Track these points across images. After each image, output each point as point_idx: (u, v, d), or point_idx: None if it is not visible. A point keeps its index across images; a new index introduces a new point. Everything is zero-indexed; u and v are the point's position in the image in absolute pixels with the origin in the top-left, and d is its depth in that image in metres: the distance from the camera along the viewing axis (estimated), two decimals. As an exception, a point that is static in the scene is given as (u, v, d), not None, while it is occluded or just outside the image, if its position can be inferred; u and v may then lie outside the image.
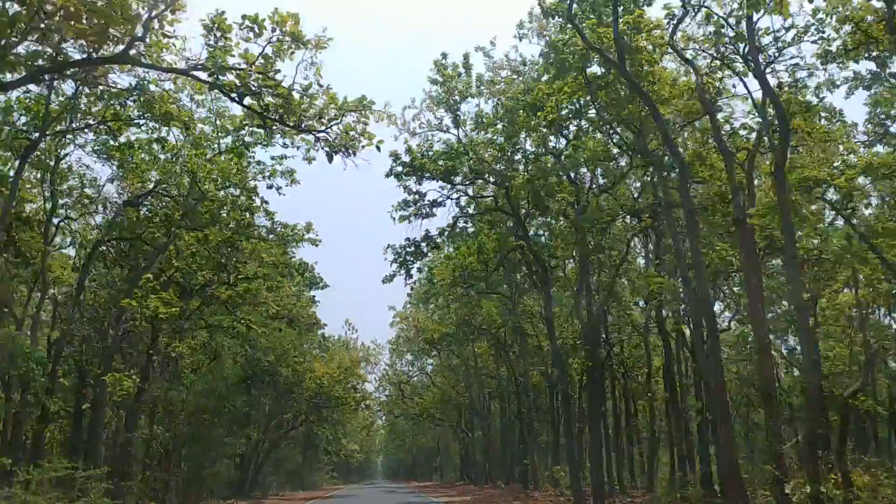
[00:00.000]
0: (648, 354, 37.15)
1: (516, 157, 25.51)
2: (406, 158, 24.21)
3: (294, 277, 43.95)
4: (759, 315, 14.11)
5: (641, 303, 38.97)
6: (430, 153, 24.21)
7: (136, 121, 22.17)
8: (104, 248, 27.13)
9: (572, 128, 24.20)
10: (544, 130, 21.37)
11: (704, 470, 21.80)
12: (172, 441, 23.76)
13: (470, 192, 26.80)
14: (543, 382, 38.49)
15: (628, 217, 27.85)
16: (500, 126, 24.93)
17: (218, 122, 27.79)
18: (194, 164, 22.40)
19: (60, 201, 28.58)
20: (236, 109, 28.50)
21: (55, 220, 28.41)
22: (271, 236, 26.59)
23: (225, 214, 22.08)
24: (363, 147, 14.39)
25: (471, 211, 26.72)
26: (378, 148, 14.28)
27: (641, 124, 18.81)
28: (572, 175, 25.22)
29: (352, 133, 14.26)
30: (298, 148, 28.70)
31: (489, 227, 30.00)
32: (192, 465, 25.73)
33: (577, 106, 20.68)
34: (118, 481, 22.90)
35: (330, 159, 14.38)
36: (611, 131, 21.88)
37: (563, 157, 23.00)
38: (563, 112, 20.45)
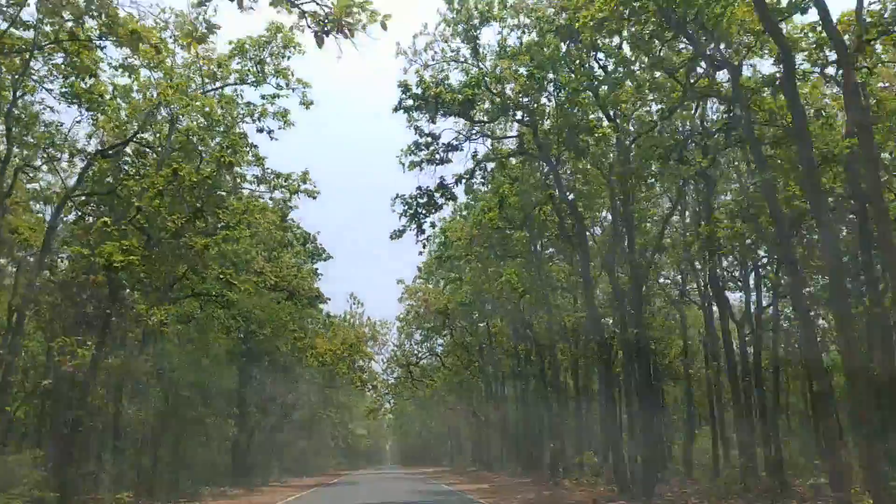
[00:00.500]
0: (684, 327, 33.52)
1: (545, 93, 21.88)
2: (418, 91, 20.61)
3: (294, 247, 40.62)
4: None
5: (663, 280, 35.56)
6: (447, 84, 20.59)
7: (96, 42, 18.71)
8: (72, 203, 23.85)
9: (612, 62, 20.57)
10: (586, 41, 17.63)
11: (778, 458, 18.32)
12: (144, 422, 20.46)
13: (491, 133, 23.17)
14: (567, 360, 35.03)
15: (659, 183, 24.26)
16: (527, 57, 21.30)
17: (204, 66, 24.40)
18: (166, 94, 18.91)
19: (25, 152, 25.33)
20: (223, 47, 25.25)
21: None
22: (262, 188, 23.13)
23: (204, 154, 18.61)
24: (363, 27, 10.77)
25: (493, 156, 23.04)
26: (384, 26, 10.63)
27: (711, 32, 15.13)
28: (611, 113, 21.57)
29: (349, 8, 10.65)
30: (294, 90, 25.50)
31: (511, 182, 26.49)
32: (173, 449, 22.42)
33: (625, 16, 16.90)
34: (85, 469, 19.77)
35: (320, 43, 10.75)
36: (661, 50, 18.15)
37: (610, 79, 19.28)
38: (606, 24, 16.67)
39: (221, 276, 18.80)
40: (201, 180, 16.92)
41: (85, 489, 18.89)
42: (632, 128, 22.51)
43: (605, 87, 20.83)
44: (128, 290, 23.57)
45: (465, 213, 33.48)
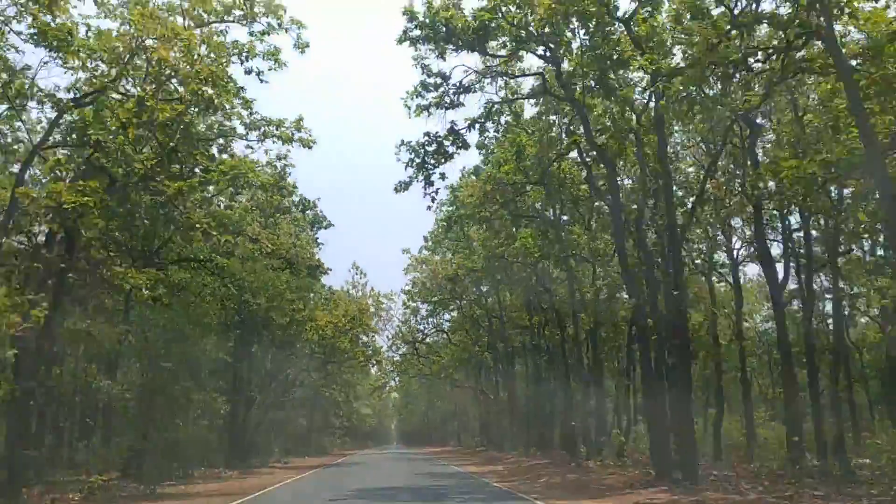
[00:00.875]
0: (713, 298, 31.02)
1: (570, 27, 19.23)
2: (425, 20, 18.01)
3: (292, 213, 38.21)
4: None
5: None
6: (459, 8, 17.95)
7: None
8: (42, 157, 21.42)
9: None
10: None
11: (839, 437, 15.98)
12: (123, 397, 18.17)
13: (508, 73, 20.53)
14: (583, 333, 32.66)
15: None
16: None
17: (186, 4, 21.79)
18: (139, 23, 16.36)
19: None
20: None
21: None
22: (252, 136, 20.61)
23: (176, 83, 16.07)
24: None
25: (510, 98, 20.48)
26: None
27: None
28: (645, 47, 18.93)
29: None
30: (287, 30, 22.88)
31: (527, 134, 24.01)
32: (161, 427, 20.11)
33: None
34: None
35: None
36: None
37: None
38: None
39: (198, 226, 16.22)
40: (176, 116, 14.45)
41: (46, 471, 16.69)
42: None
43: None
44: (103, 252, 21.29)
45: (474, 177, 31.00)
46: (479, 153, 25.42)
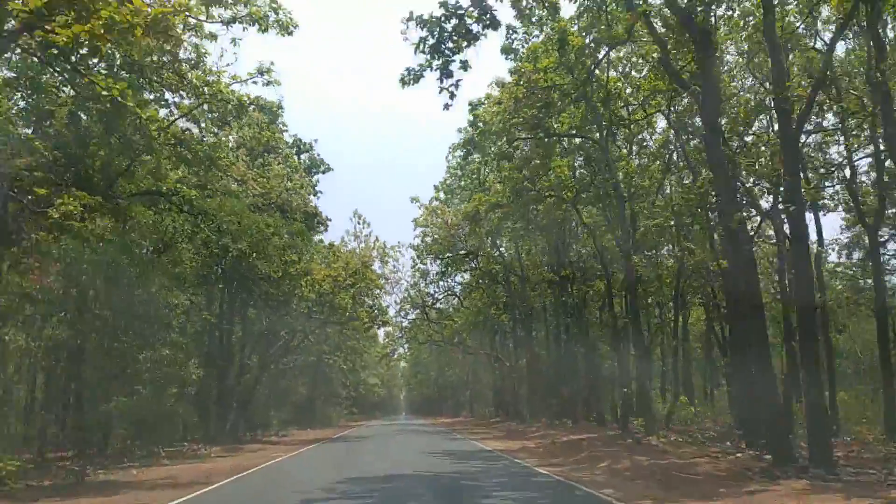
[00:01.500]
0: (804, 233, 25.59)
1: None
2: None
3: (282, 151, 33.54)
4: None
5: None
6: None
7: None
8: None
9: None
10: None
11: None
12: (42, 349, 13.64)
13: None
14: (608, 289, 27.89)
15: None
16: None
17: None
18: None
19: None
20: None
21: None
22: (213, 12, 15.71)
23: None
24: None
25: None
26: None
27: None
28: None
29: None
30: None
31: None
32: (89, 397, 15.66)
33: None
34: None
35: None
36: None
37: None
38: None
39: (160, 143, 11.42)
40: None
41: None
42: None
43: None
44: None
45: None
46: (506, 58, 20.35)
